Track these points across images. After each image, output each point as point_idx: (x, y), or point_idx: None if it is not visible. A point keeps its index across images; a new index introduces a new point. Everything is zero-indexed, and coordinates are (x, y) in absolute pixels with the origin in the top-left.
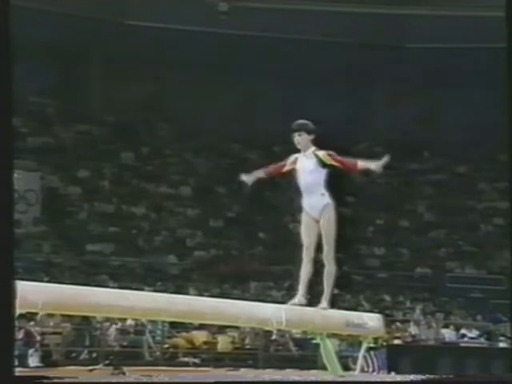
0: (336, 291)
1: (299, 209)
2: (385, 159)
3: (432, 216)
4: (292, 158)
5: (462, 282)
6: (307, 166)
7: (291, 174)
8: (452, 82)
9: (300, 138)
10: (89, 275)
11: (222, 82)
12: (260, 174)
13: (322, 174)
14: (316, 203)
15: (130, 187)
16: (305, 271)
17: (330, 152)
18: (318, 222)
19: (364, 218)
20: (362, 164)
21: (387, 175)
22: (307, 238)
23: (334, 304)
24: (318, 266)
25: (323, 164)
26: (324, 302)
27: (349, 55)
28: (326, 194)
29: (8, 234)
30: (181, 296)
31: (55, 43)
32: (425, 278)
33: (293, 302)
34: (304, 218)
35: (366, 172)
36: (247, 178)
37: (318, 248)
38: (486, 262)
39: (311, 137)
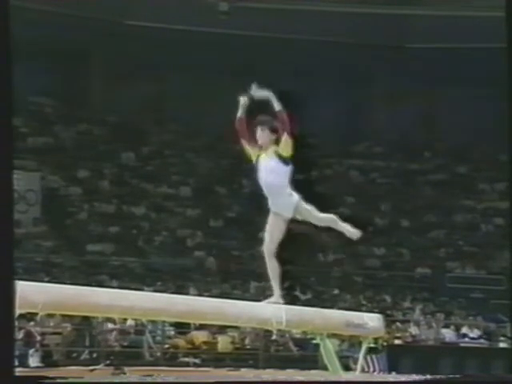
0: (336, 291)
1: (266, 209)
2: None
3: (432, 216)
4: (257, 150)
5: (462, 282)
6: (269, 167)
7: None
8: (452, 82)
9: (262, 133)
10: (89, 275)
11: (221, 81)
12: (240, 112)
13: (285, 173)
14: (286, 203)
15: (130, 187)
16: (270, 268)
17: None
18: (286, 220)
19: (364, 218)
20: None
21: (387, 175)
22: (268, 234)
23: (334, 304)
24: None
25: (285, 161)
26: (275, 297)
27: (349, 55)
28: (293, 192)
29: (8, 234)
30: (181, 296)
31: (55, 43)
32: (425, 278)
33: (269, 300)
34: (272, 218)
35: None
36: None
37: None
38: (486, 263)
39: (273, 136)
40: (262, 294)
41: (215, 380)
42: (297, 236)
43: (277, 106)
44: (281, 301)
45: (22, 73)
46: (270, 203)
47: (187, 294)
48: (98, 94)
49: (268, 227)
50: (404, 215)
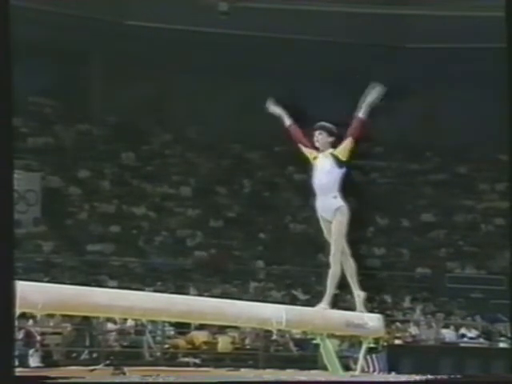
0: (336, 291)
1: (313, 210)
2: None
3: (432, 216)
4: (314, 151)
5: (462, 282)
6: (324, 167)
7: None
8: (452, 82)
9: (320, 137)
10: (89, 275)
11: (222, 81)
12: (287, 120)
13: (337, 175)
14: (329, 205)
15: (131, 187)
16: (332, 273)
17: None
18: (331, 223)
19: (364, 218)
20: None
21: (387, 175)
22: (333, 241)
23: (334, 304)
24: (324, 267)
25: (340, 164)
26: (324, 302)
27: (349, 55)
28: (338, 197)
29: (8, 234)
30: (181, 296)
31: (55, 43)
32: (425, 278)
33: (319, 305)
34: (320, 221)
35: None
36: (273, 108)
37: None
38: (486, 262)
39: (331, 139)
40: (262, 294)
41: (216, 380)
42: (297, 236)
43: (362, 112)
44: (328, 307)
45: (22, 73)
46: (316, 205)
47: (187, 294)
48: (98, 94)
49: (324, 231)
50: (404, 215)
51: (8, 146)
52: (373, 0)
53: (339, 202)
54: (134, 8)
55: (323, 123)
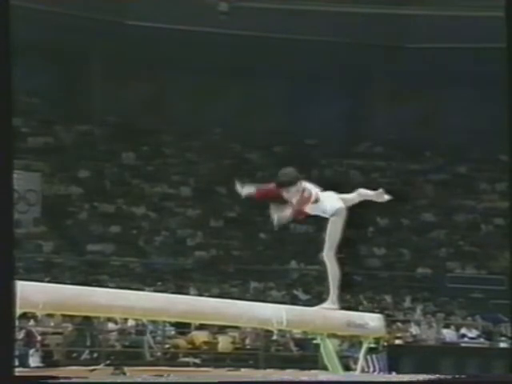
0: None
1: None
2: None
3: (432, 216)
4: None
5: (463, 282)
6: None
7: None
8: (452, 82)
9: (288, 194)
10: (89, 275)
11: (221, 82)
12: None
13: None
14: (327, 208)
15: (131, 187)
16: (331, 272)
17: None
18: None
19: (364, 218)
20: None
21: (387, 175)
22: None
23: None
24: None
25: None
26: (329, 302)
27: (349, 55)
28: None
29: (8, 234)
30: (181, 296)
31: (55, 43)
32: (425, 278)
33: (322, 305)
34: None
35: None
36: (243, 190)
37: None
38: (487, 262)
39: (294, 188)
40: (262, 294)
41: (217, 380)
42: (297, 236)
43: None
44: (335, 306)
45: (22, 73)
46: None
47: (187, 294)
48: (98, 93)
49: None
50: (404, 215)
51: (8, 146)
52: (373, 0)
53: (339, 203)
54: (134, 8)
55: (282, 181)
